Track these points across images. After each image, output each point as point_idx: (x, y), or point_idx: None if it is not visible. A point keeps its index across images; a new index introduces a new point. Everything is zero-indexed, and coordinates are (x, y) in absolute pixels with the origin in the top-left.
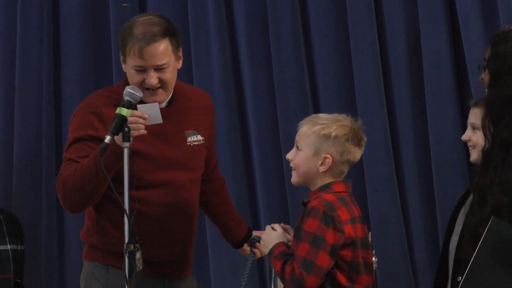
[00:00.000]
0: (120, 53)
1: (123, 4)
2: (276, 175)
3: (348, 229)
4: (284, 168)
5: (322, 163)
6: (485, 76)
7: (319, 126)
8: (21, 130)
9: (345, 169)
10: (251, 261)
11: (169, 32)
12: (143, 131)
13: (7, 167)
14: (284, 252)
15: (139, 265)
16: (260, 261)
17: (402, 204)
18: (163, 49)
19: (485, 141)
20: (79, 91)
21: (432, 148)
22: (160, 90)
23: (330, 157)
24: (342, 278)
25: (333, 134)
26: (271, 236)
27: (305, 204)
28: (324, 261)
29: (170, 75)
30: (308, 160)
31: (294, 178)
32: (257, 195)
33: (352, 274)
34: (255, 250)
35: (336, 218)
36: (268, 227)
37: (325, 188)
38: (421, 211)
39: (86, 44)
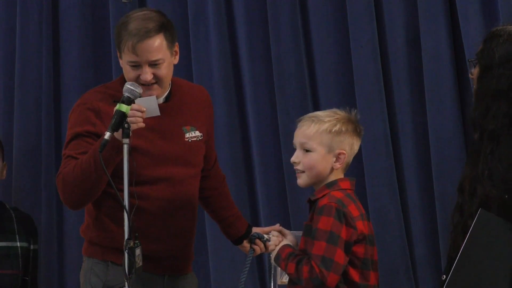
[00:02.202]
0: (116, 48)
1: (123, 0)
2: (275, 170)
3: (359, 225)
4: (283, 164)
5: (336, 159)
6: (474, 71)
7: (327, 124)
8: (20, 125)
9: (351, 161)
10: (250, 257)
11: (164, 27)
12: (142, 124)
13: (7, 162)
14: (293, 253)
15: (139, 262)
16: (260, 258)
17: (401, 199)
18: (157, 44)
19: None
20: (79, 86)
21: (432, 142)
22: (155, 86)
23: (344, 151)
24: (355, 275)
25: (343, 128)
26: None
27: (312, 201)
28: (340, 257)
29: (165, 71)
30: (323, 159)
31: (304, 181)
32: (256, 191)
33: (364, 270)
34: (255, 247)
35: (348, 214)
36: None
37: (332, 185)
38: (421, 206)
39: (86, 39)
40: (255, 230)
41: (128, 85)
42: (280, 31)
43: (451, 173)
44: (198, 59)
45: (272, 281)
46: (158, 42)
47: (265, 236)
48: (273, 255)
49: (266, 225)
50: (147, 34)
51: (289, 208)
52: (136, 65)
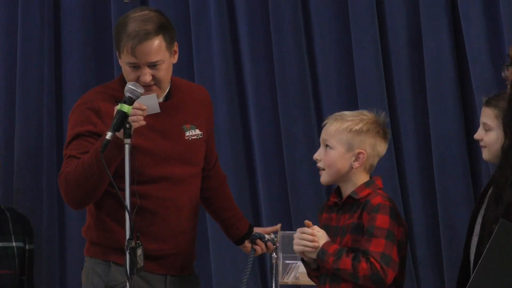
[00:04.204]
0: (115, 48)
1: (125, 0)
2: (277, 170)
3: (405, 224)
4: (285, 164)
5: (356, 159)
6: (509, 73)
7: (349, 123)
8: (22, 126)
9: (375, 163)
10: (252, 258)
11: (163, 28)
12: (143, 122)
13: (8, 163)
14: (343, 249)
15: (140, 262)
16: (261, 258)
17: (403, 199)
18: (156, 46)
19: (505, 138)
20: (80, 87)
21: (433, 143)
22: (154, 87)
23: (364, 151)
24: (399, 273)
25: (364, 128)
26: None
27: (354, 200)
28: (396, 255)
29: (164, 72)
30: (341, 158)
31: (325, 178)
32: (258, 191)
33: (402, 269)
34: (256, 247)
35: (399, 214)
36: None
37: (370, 184)
38: (422, 206)
39: (87, 39)
40: (257, 230)
41: (129, 85)
42: (282, 32)
43: (452, 173)
44: (200, 59)
45: (273, 281)
46: (157, 43)
47: (267, 236)
48: (304, 249)
49: (267, 226)
50: (146, 37)
51: (290, 208)
52: (135, 66)
